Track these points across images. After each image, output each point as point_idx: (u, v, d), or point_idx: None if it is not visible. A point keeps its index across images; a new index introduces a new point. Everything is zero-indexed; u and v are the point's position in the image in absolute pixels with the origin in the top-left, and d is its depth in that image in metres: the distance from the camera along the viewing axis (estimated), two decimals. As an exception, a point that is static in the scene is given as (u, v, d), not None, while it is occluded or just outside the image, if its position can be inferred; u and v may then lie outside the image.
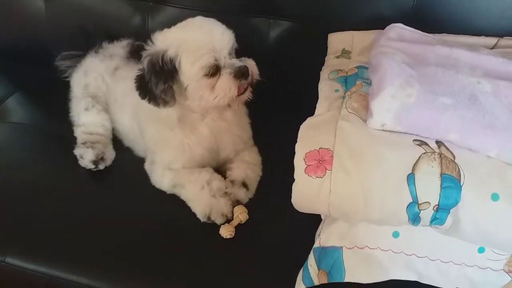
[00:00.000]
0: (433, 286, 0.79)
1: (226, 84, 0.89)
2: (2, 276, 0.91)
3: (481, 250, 0.75)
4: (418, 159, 0.69)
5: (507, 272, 0.75)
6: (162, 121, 0.98)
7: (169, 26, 1.26)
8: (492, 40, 1.04)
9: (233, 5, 1.23)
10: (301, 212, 0.78)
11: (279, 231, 0.94)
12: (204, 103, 0.93)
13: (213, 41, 0.89)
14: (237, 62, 0.91)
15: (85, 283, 0.88)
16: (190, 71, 0.88)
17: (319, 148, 0.73)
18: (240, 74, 0.90)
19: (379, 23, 1.04)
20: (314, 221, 0.86)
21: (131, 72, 1.14)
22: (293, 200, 0.76)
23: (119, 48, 1.23)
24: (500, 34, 1.05)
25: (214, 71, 0.89)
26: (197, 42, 0.88)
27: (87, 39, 1.27)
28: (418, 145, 0.71)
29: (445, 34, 1.06)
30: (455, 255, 0.76)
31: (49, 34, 1.35)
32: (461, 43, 0.97)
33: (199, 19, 0.94)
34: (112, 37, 1.27)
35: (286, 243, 0.91)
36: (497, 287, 0.77)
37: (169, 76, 0.88)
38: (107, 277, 0.88)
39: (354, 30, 1.13)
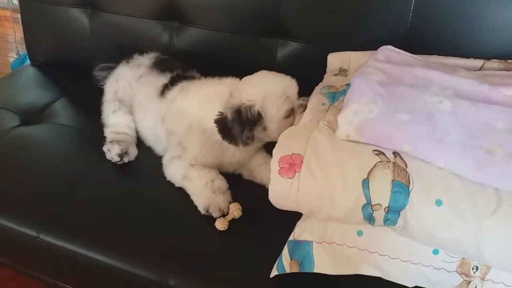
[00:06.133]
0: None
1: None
2: (35, 249, 1.10)
3: (435, 251, 0.83)
4: (373, 167, 0.79)
5: (459, 274, 0.83)
6: (204, 135, 1.15)
7: (192, 44, 1.46)
8: (478, 62, 1.11)
9: (247, 26, 1.38)
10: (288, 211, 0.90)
11: (268, 227, 1.06)
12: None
13: (287, 89, 1.10)
14: (303, 103, 1.10)
15: (101, 259, 1.04)
16: (275, 116, 1.08)
17: (292, 154, 0.85)
18: None
19: (377, 44, 1.14)
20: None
21: (153, 79, 1.33)
22: (270, 198, 0.88)
23: (146, 59, 1.41)
24: (488, 56, 1.13)
25: (291, 112, 1.10)
26: (278, 93, 1.08)
27: (122, 53, 1.46)
28: (376, 154, 0.81)
29: (435, 56, 1.15)
30: (413, 255, 0.84)
31: (91, 48, 1.57)
32: (444, 65, 1.06)
33: (267, 74, 1.13)
34: (143, 52, 1.46)
35: (273, 237, 1.02)
36: (451, 286, 0.84)
37: (253, 124, 1.07)
38: (120, 256, 1.04)
39: (353, 50, 1.25)
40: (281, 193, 0.85)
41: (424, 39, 1.20)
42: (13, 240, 1.12)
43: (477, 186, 0.77)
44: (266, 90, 1.08)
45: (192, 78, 1.30)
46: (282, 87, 1.10)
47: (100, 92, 1.46)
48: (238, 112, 1.06)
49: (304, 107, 1.08)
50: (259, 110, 1.07)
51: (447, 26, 1.17)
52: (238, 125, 1.06)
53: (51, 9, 1.57)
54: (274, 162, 0.86)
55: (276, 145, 0.89)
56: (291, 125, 1.09)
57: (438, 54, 1.15)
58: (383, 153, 0.81)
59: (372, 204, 0.78)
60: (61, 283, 1.19)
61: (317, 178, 0.82)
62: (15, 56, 2.53)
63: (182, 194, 1.15)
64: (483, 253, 0.76)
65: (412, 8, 1.18)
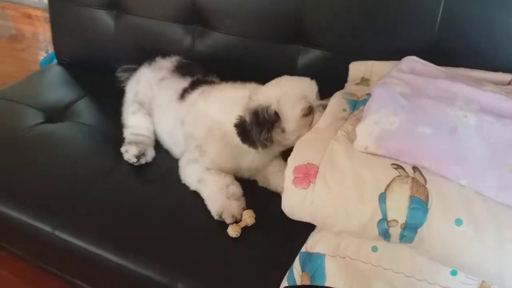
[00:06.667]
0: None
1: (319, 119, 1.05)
2: (50, 245, 1.11)
3: (453, 272, 0.79)
4: (391, 181, 0.76)
5: (478, 297, 0.79)
6: (224, 139, 1.14)
7: (214, 48, 1.46)
8: (507, 77, 1.07)
9: (269, 33, 1.37)
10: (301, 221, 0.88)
11: (280, 236, 1.04)
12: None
13: (304, 89, 1.10)
14: (323, 102, 1.10)
15: (113, 259, 1.04)
16: (292, 114, 1.07)
17: (307, 163, 0.83)
18: None
19: (402, 54, 1.11)
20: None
21: (174, 83, 1.33)
22: (283, 208, 0.86)
23: (169, 62, 1.42)
24: (519, 71, 1.08)
25: (309, 111, 1.08)
26: (294, 92, 1.08)
27: (144, 55, 1.48)
28: (395, 168, 0.78)
29: (462, 68, 1.11)
30: (429, 274, 0.81)
31: (115, 49, 1.59)
32: (470, 78, 1.02)
33: (287, 76, 1.13)
34: (165, 55, 1.47)
35: (285, 246, 1.00)
36: (469, 310, 0.80)
37: (271, 126, 1.06)
38: (131, 257, 1.04)
39: (376, 60, 1.22)
40: (295, 204, 0.83)
41: (451, 50, 1.16)
42: (28, 234, 1.14)
43: (500, 206, 0.74)
44: (282, 90, 1.08)
45: (212, 82, 1.30)
46: (299, 87, 1.09)
47: (122, 93, 1.47)
48: (255, 113, 1.06)
49: (324, 106, 1.06)
50: (276, 110, 1.06)
51: (475, 38, 1.13)
52: (256, 126, 1.05)
53: (78, 10, 1.60)
54: (289, 171, 0.84)
55: (292, 153, 0.87)
56: (310, 124, 1.08)
57: (465, 67, 1.11)
58: (402, 167, 0.78)
59: (388, 219, 0.75)
60: (72, 278, 1.21)
61: (332, 190, 0.80)
62: (44, 54, 2.60)
63: (196, 198, 1.14)
64: (505, 278, 0.73)
65: (439, 18, 1.14)
